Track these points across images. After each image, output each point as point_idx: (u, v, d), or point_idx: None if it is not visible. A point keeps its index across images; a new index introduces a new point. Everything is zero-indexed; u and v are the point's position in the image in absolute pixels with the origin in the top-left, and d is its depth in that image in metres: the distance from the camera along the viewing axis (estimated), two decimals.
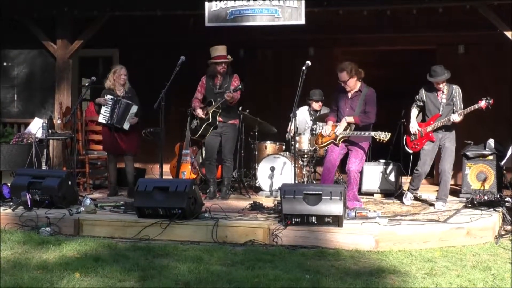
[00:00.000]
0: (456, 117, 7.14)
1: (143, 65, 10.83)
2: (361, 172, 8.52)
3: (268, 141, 8.89)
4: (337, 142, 6.90)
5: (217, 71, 7.74)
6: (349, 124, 6.87)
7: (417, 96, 7.55)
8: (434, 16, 9.18)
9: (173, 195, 5.99)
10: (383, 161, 8.57)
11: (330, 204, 5.67)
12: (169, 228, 5.85)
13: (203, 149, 8.67)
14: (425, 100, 7.42)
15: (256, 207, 6.79)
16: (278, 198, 6.58)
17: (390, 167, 8.40)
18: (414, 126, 7.49)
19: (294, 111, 6.72)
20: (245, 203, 7.12)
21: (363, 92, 6.86)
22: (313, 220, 5.72)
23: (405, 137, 7.74)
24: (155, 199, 6.04)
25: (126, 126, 7.87)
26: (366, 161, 8.55)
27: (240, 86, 7.56)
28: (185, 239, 5.79)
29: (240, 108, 8.63)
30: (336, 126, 6.93)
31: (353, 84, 6.84)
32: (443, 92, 7.31)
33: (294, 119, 6.92)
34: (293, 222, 5.74)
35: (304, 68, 6.62)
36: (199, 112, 7.80)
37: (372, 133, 6.68)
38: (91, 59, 10.99)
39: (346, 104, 6.93)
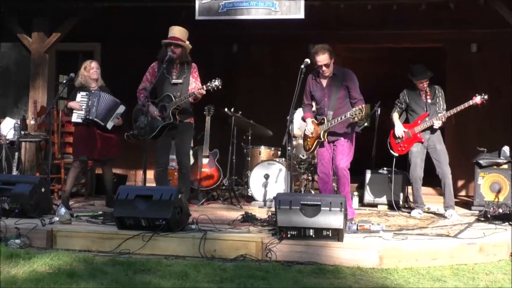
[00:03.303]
0: (438, 123, 7.49)
1: (127, 61, 10.77)
2: (363, 182, 8.57)
3: (262, 146, 8.87)
4: (322, 138, 6.82)
5: (169, 54, 7.17)
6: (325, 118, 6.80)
7: (398, 100, 7.88)
8: (443, 12, 9.15)
9: (157, 205, 5.95)
10: (388, 169, 8.53)
11: (329, 216, 5.62)
12: (152, 241, 5.79)
13: (191, 153, 8.58)
14: (408, 101, 7.75)
15: (248, 219, 6.74)
16: (273, 209, 6.52)
17: (395, 176, 8.35)
18: (400, 129, 7.74)
19: (291, 113, 6.66)
20: (236, 214, 7.07)
21: (338, 75, 6.80)
22: (311, 234, 5.67)
23: (388, 140, 7.89)
24: (137, 209, 5.99)
25: (109, 125, 7.80)
26: (368, 169, 8.57)
27: (218, 83, 6.99)
28: (169, 253, 5.73)
29: (232, 109, 8.59)
30: (317, 122, 6.86)
31: (332, 68, 6.80)
32: (426, 92, 7.64)
33: (291, 122, 6.84)
34: (289, 236, 5.69)
35: (303, 66, 6.58)
36: (154, 111, 7.17)
37: (348, 114, 6.55)
38: (70, 54, 10.93)
39: (323, 94, 6.85)
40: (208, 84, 7.02)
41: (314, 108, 7.11)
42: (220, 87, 7.02)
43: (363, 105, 6.48)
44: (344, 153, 6.79)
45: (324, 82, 6.84)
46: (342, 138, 6.79)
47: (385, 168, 8.58)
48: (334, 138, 6.82)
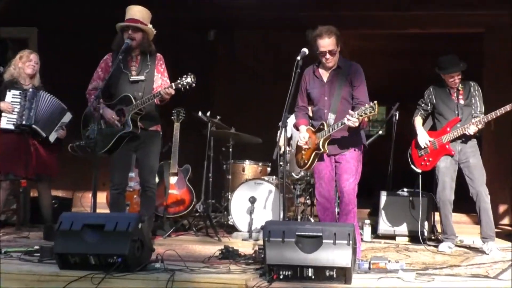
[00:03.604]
0: (472, 129, 7.44)
1: (71, 51, 10.78)
2: (376, 207, 8.55)
3: (246, 161, 8.91)
4: (322, 149, 6.67)
5: (126, 42, 7.11)
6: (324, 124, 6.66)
7: (422, 100, 7.89)
8: None
9: (110, 237, 5.91)
10: (408, 190, 8.58)
11: (333, 251, 5.61)
12: (104, 283, 5.72)
13: None
14: (435, 102, 7.76)
15: (229, 255, 6.72)
16: (260, 242, 6.52)
17: (419, 199, 8.34)
18: (424, 137, 7.75)
19: (284, 119, 6.65)
20: (213, 249, 7.05)
21: (343, 69, 6.74)
22: (310, 274, 5.65)
23: (409, 151, 7.91)
24: (85, 242, 5.95)
25: (52, 137, 7.84)
26: (384, 190, 8.57)
27: (190, 80, 6.92)
28: None
29: (208, 114, 8.60)
30: (312, 130, 6.77)
31: (337, 58, 6.73)
32: (458, 89, 7.64)
33: (284, 129, 6.86)
34: (281, 277, 5.67)
35: (299, 58, 6.56)
36: (112, 117, 7.15)
37: (355, 115, 6.33)
38: None
39: (323, 92, 6.77)
40: (178, 81, 6.96)
41: (310, 113, 7.07)
42: (194, 85, 6.95)
43: (375, 102, 6.31)
44: (350, 171, 6.68)
45: (325, 76, 6.78)
46: (346, 152, 6.68)
47: (405, 189, 8.62)
48: (336, 150, 6.73)
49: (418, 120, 7.88)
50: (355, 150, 6.71)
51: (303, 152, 6.89)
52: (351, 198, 6.67)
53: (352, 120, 6.33)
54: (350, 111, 6.42)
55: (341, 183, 6.71)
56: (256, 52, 10.96)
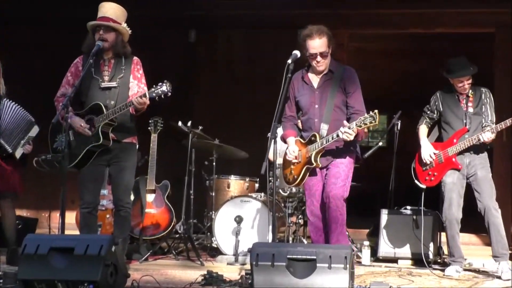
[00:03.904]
0: (488, 135, 7.39)
1: (37, 52, 10.77)
2: (377, 226, 8.58)
3: (232, 176, 8.94)
4: (314, 163, 6.66)
5: (97, 44, 7.06)
6: (316, 135, 6.67)
7: (427, 107, 7.85)
8: None
9: (80, 261, 5.89)
10: (412, 208, 8.61)
11: (328, 276, 5.61)
12: None
13: None
14: (441, 109, 7.73)
15: (213, 281, 6.73)
16: (247, 266, 6.55)
17: (423, 218, 8.35)
18: (428, 150, 7.71)
19: (273, 128, 6.65)
20: (195, 274, 7.05)
21: (336, 73, 6.75)
22: None
23: (413, 165, 7.88)
24: (52, 267, 5.92)
25: (18, 152, 7.85)
26: (385, 207, 8.59)
27: (165, 89, 6.86)
28: None
29: (189, 124, 8.62)
30: (302, 141, 6.77)
31: (328, 61, 6.74)
32: (467, 96, 7.62)
33: (274, 141, 6.89)
34: None
35: (290, 61, 6.57)
36: (81, 125, 7.09)
37: (354, 125, 6.35)
38: None
39: (313, 99, 6.78)
40: (153, 89, 6.91)
41: (300, 125, 7.05)
42: (170, 93, 6.90)
43: (376, 111, 6.28)
44: (339, 175, 6.64)
45: (316, 82, 6.80)
46: (336, 160, 6.69)
47: (408, 207, 8.63)
48: (327, 161, 6.73)
49: (422, 130, 7.86)
50: (347, 159, 6.71)
51: (292, 167, 6.89)
52: (339, 203, 6.60)
53: (348, 132, 6.34)
54: (345, 122, 6.42)
55: (327, 188, 6.67)
56: (241, 55, 10.95)
